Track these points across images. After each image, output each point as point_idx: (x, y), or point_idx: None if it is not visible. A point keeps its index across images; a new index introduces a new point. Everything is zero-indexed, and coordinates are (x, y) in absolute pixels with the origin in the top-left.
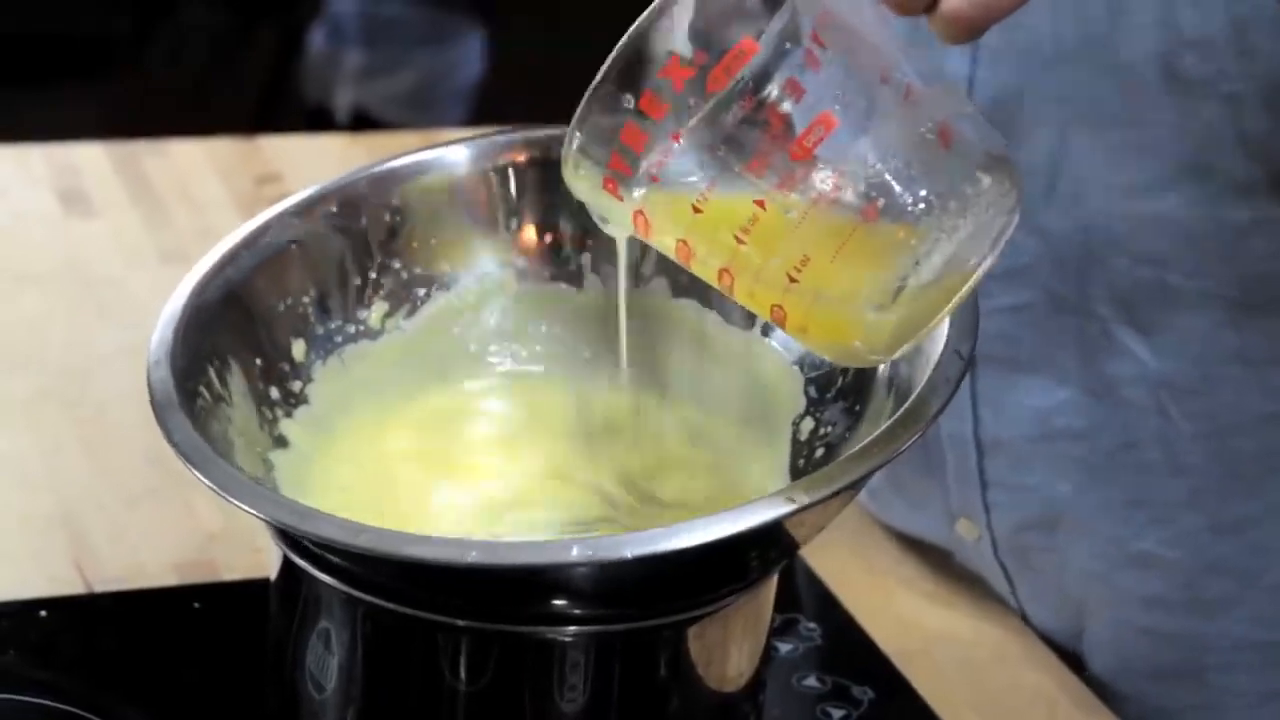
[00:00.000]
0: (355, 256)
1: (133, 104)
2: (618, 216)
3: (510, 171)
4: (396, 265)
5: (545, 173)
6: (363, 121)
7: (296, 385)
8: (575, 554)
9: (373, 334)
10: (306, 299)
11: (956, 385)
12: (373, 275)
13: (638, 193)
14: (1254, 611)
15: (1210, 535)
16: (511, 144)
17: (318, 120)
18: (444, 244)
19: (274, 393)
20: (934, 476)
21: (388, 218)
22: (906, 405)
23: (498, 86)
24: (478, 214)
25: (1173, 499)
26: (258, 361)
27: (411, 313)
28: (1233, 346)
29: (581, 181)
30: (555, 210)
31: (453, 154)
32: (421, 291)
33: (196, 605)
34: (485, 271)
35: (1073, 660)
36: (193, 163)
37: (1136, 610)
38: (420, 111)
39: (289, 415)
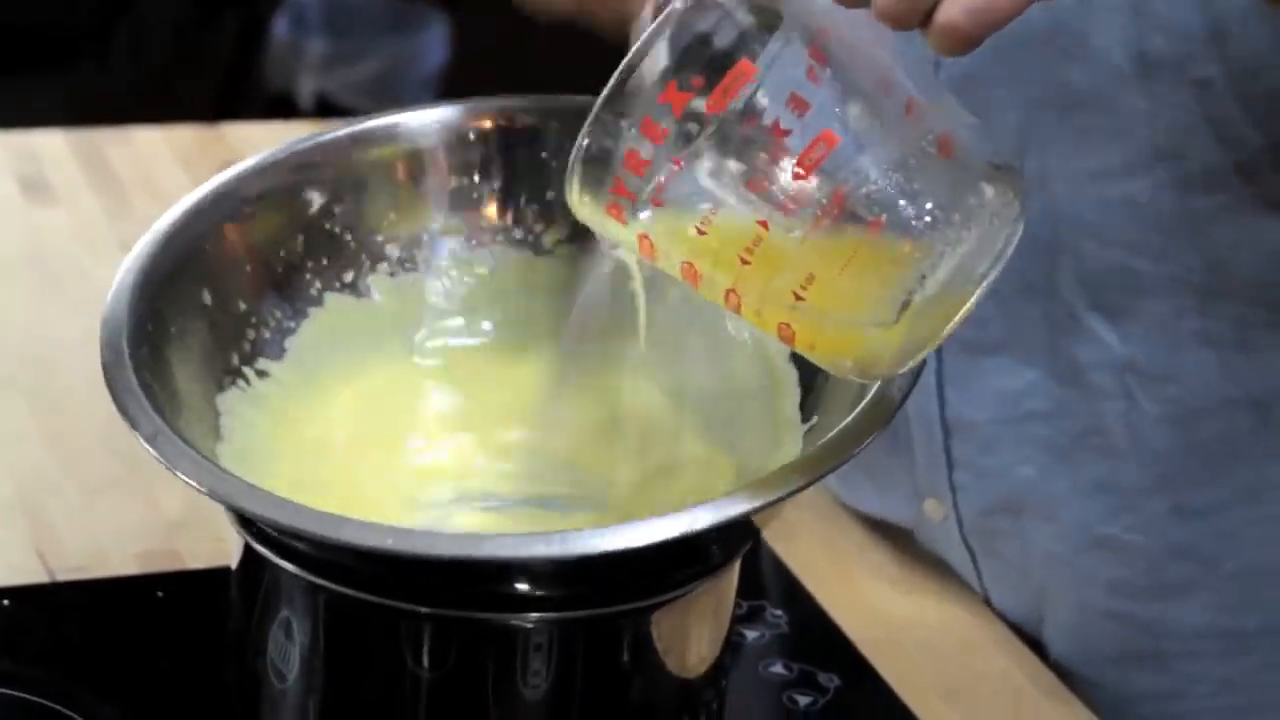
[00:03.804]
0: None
1: (95, 92)
2: (623, 240)
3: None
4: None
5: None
6: (326, 109)
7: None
8: (517, 550)
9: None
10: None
11: (918, 372)
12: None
13: (641, 217)
14: (1216, 598)
15: (1174, 520)
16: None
17: (281, 108)
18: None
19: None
20: (902, 455)
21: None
22: (871, 395)
23: (461, 74)
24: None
25: (1137, 483)
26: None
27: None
28: (1199, 332)
29: (585, 208)
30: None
31: None
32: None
33: (159, 594)
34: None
35: (1034, 645)
36: (154, 150)
37: (1099, 594)
38: (384, 99)
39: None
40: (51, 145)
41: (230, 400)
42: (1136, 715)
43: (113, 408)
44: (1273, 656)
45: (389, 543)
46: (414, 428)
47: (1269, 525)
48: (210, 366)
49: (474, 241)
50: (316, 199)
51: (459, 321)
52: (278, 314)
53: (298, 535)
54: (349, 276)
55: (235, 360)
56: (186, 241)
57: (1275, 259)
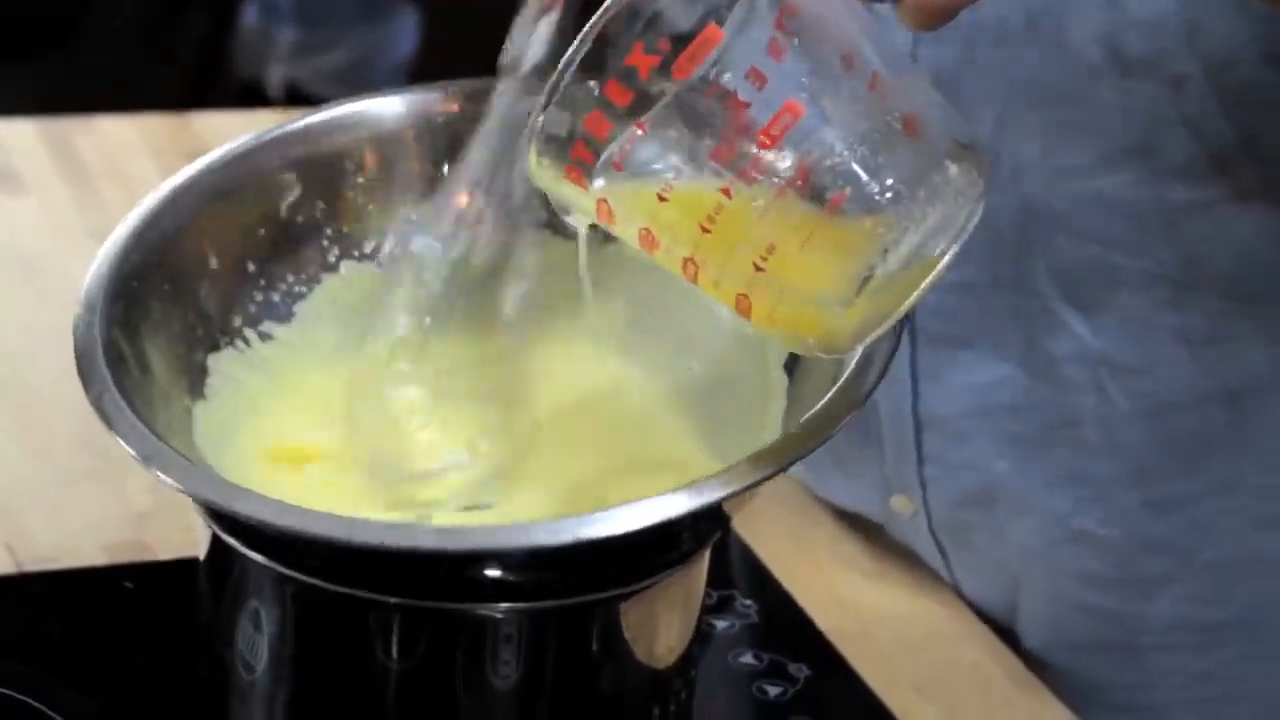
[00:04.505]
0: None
1: (65, 81)
2: (581, 205)
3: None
4: None
5: None
6: (296, 98)
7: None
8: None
9: None
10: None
11: (889, 361)
12: None
13: (601, 181)
14: (1189, 590)
15: (1147, 513)
16: None
17: (251, 96)
18: None
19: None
20: (871, 450)
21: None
22: (840, 382)
23: (431, 63)
24: None
25: (1110, 477)
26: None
27: None
28: (1173, 326)
29: (544, 171)
30: None
31: None
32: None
33: (128, 585)
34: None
35: (1007, 635)
36: (123, 140)
37: (1072, 587)
38: (353, 87)
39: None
40: (20, 134)
41: (223, 360)
42: (1108, 705)
43: (83, 397)
44: (1248, 648)
45: (354, 536)
46: (406, 405)
47: (1243, 517)
48: (207, 326)
49: (496, 221)
50: (344, 167)
51: (473, 301)
52: (290, 278)
53: (207, 503)
54: (368, 246)
55: (238, 321)
56: (195, 199)
57: (1249, 253)
